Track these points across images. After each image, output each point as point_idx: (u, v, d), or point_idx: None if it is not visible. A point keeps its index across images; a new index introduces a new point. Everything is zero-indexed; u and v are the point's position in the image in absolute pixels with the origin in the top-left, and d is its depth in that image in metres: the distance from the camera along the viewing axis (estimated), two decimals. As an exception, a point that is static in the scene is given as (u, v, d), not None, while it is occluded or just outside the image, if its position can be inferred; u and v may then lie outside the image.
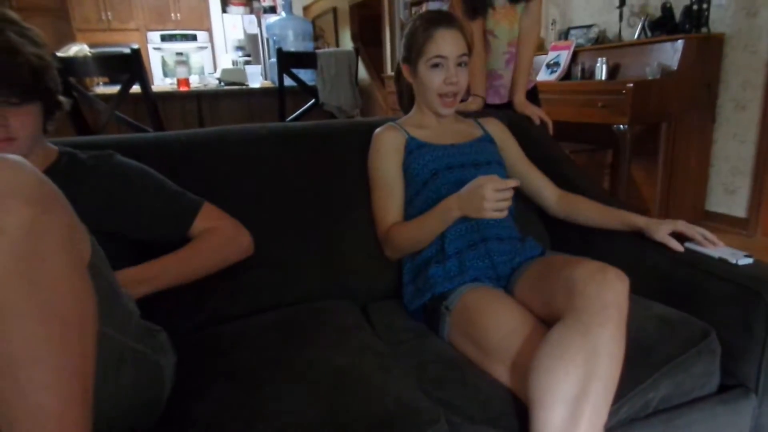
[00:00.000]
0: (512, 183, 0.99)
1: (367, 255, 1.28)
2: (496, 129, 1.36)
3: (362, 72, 7.76)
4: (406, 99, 1.37)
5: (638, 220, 1.15)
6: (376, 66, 7.81)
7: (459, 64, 1.20)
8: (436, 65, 1.19)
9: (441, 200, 1.12)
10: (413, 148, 1.23)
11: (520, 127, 1.49)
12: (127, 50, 2.28)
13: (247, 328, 1.06)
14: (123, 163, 1.03)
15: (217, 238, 1.05)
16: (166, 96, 3.39)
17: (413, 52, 1.21)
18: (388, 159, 1.23)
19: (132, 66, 2.24)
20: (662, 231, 1.11)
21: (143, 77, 2.28)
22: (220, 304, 1.11)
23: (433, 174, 1.18)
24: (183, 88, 3.55)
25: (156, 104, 2.38)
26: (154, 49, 6.67)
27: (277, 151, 1.31)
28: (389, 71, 7.06)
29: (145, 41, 6.63)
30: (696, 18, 2.84)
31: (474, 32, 1.74)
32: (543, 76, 3.60)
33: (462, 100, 1.75)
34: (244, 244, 1.09)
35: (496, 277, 1.10)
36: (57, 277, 0.56)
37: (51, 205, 0.57)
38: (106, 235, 0.95)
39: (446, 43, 1.17)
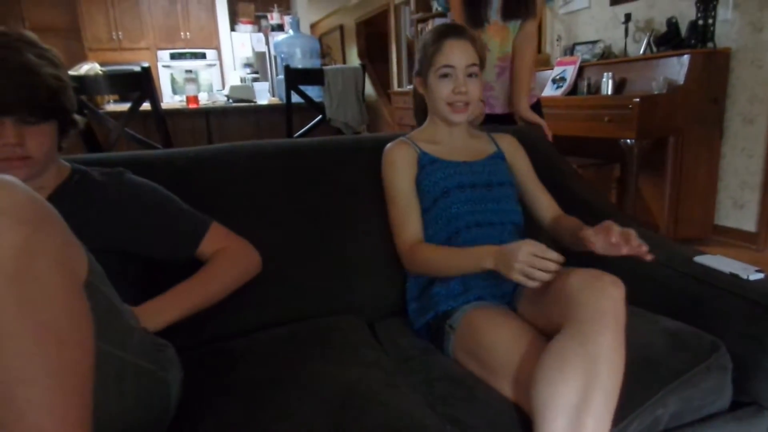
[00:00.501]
0: (556, 256, 0.91)
1: (374, 271, 1.27)
2: (509, 146, 1.34)
3: (369, 88, 7.83)
4: (420, 113, 1.37)
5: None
6: (382, 82, 7.89)
7: (470, 75, 1.19)
8: (445, 75, 1.19)
9: (452, 219, 1.13)
10: (425, 164, 1.22)
11: (527, 140, 1.49)
12: (137, 68, 2.32)
13: (253, 343, 1.06)
14: (134, 180, 1.04)
15: (229, 261, 1.04)
16: (175, 113, 3.42)
17: (424, 64, 1.23)
18: (403, 173, 1.22)
19: (142, 84, 2.27)
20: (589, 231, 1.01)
21: (153, 95, 2.31)
22: (227, 320, 1.11)
23: (444, 192, 1.17)
24: (192, 106, 3.59)
25: (165, 121, 2.41)
26: (164, 66, 6.76)
27: (284, 167, 1.31)
28: (395, 87, 7.12)
29: (155, 59, 6.73)
30: (702, 33, 2.85)
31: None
32: (549, 91, 3.61)
33: None
34: (254, 263, 1.09)
35: (500, 295, 1.09)
36: (51, 297, 0.56)
37: (44, 224, 0.57)
38: (115, 253, 0.96)
39: (454, 54, 1.18)
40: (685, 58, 2.83)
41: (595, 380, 0.75)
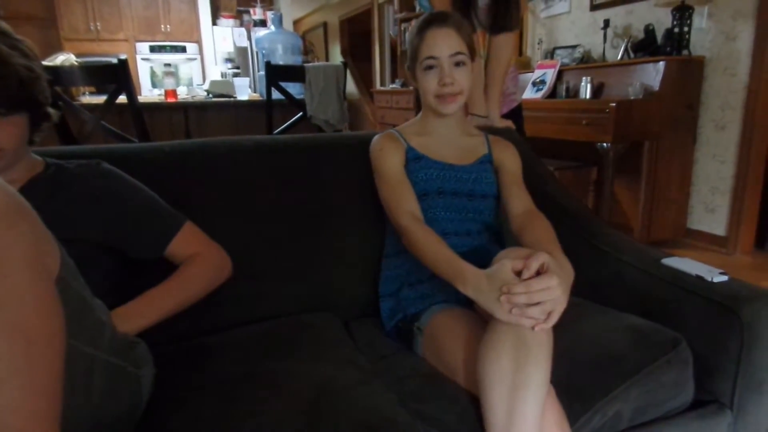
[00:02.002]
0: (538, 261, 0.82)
1: (350, 270, 1.28)
2: (502, 153, 1.27)
3: (351, 87, 7.81)
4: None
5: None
6: (365, 81, 7.88)
7: (456, 64, 1.14)
8: (429, 67, 1.15)
9: (429, 223, 1.09)
10: (410, 159, 1.20)
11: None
12: (114, 61, 2.28)
13: (227, 340, 1.06)
14: (110, 171, 1.03)
15: (201, 268, 1.03)
16: (153, 107, 3.38)
17: (411, 57, 1.20)
18: (393, 158, 1.19)
19: (119, 76, 2.23)
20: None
21: (130, 88, 2.28)
22: (201, 316, 1.10)
23: (423, 194, 1.16)
24: (170, 99, 3.54)
25: (142, 115, 2.38)
26: (143, 59, 6.66)
27: (262, 164, 1.31)
28: (378, 86, 7.12)
29: (134, 51, 6.62)
30: (677, 41, 2.91)
31: None
32: (529, 93, 3.65)
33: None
34: (225, 269, 1.09)
35: (464, 298, 1.09)
36: (21, 294, 0.55)
37: (16, 219, 0.56)
38: (87, 244, 0.95)
39: (436, 43, 1.13)
40: (661, 64, 2.89)
41: (526, 356, 0.79)
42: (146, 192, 1.05)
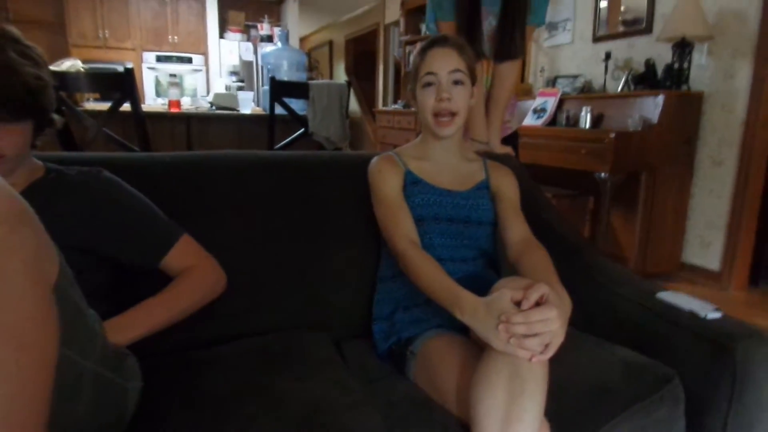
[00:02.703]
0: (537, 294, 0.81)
1: (344, 290, 1.27)
2: (499, 179, 1.27)
3: (354, 105, 7.88)
4: None
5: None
6: (368, 100, 7.95)
7: (455, 83, 1.15)
8: (428, 84, 1.16)
9: (425, 249, 1.09)
10: (408, 183, 1.20)
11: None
12: (120, 69, 2.30)
13: (217, 355, 1.05)
14: (110, 180, 1.03)
15: (196, 281, 1.03)
16: (156, 116, 3.39)
17: (412, 77, 1.21)
18: (391, 180, 1.19)
19: (124, 85, 2.25)
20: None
21: (134, 96, 2.30)
22: (193, 330, 1.09)
23: (419, 220, 1.15)
24: (174, 110, 3.56)
25: (145, 124, 2.39)
26: (149, 68, 6.71)
27: (262, 179, 1.31)
28: (380, 106, 7.18)
29: (140, 60, 6.68)
30: (677, 76, 2.96)
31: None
32: (530, 120, 3.69)
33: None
34: (220, 284, 1.08)
35: (459, 324, 1.09)
36: (18, 299, 0.55)
37: (19, 224, 0.56)
38: (82, 251, 0.94)
39: (436, 61, 1.15)
40: (660, 98, 2.92)
41: (521, 390, 0.78)
42: (145, 202, 1.05)
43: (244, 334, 1.15)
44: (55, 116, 0.97)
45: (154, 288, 0.99)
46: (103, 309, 0.89)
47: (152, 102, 6.36)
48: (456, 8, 1.70)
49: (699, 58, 2.98)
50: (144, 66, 6.67)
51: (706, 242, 3.06)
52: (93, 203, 0.97)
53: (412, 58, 1.23)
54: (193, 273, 1.03)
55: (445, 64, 1.14)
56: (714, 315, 1.04)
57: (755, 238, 2.91)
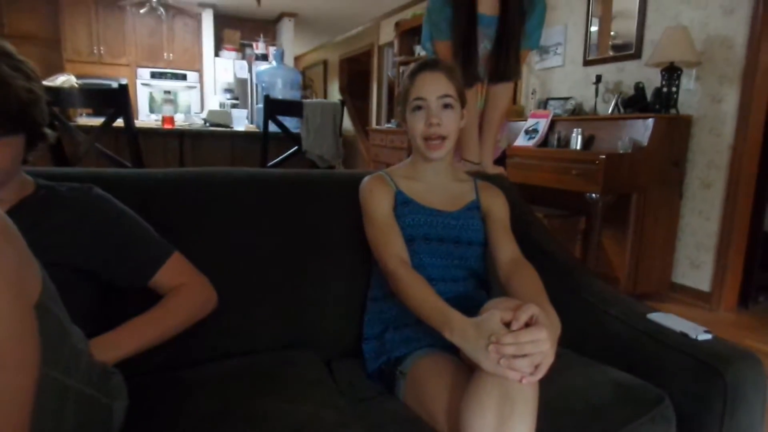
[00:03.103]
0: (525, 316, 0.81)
1: (335, 308, 1.27)
2: (489, 199, 1.28)
3: (347, 123, 7.94)
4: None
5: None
6: (361, 119, 8.01)
7: (444, 107, 1.16)
8: (418, 108, 1.17)
9: (415, 269, 1.08)
10: (399, 203, 1.21)
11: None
12: (114, 85, 2.30)
13: (205, 374, 1.03)
14: (101, 196, 1.02)
15: (186, 299, 1.02)
16: (150, 132, 3.39)
17: (402, 100, 1.22)
18: (381, 200, 1.19)
19: (118, 101, 2.25)
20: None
21: (128, 113, 2.30)
22: (180, 348, 1.08)
23: (409, 240, 1.16)
24: (167, 126, 3.56)
25: (137, 140, 2.39)
26: (143, 84, 6.72)
27: (254, 197, 1.31)
28: (374, 125, 7.23)
29: (135, 76, 6.69)
30: (666, 99, 3.01)
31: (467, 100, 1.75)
32: (521, 141, 3.73)
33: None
34: (210, 302, 1.07)
35: (449, 343, 1.08)
36: None
37: (1, 242, 0.55)
38: (70, 269, 0.93)
39: (425, 85, 1.16)
40: (650, 121, 2.97)
41: (510, 413, 0.77)
42: (136, 219, 1.04)
43: (234, 352, 1.14)
44: (48, 131, 0.97)
45: (143, 306, 0.98)
46: (90, 327, 0.87)
47: (146, 118, 6.36)
48: (452, 29, 1.73)
49: (687, 82, 3.04)
50: (138, 82, 6.69)
51: (696, 263, 3.08)
52: (83, 220, 0.96)
53: (401, 81, 1.24)
54: (183, 291, 1.02)
55: (435, 88, 1.16)
56: (704, 336, 1.04)
57: (744, 259, 2.93)
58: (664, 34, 2.97)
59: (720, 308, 2.93)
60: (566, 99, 3.82)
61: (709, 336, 1.05)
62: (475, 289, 1.20)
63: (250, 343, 1.17)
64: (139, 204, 1.09)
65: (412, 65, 1.23)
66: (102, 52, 6.51)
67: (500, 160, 2.06)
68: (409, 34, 5.77)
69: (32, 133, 0.91)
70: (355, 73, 8.41)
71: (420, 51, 5.56)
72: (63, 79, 2.79)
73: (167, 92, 6.64)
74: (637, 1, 3.37)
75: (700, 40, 2.97)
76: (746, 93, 2.77)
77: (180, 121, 4.30)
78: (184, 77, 6.95)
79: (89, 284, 0.98)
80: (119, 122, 2.35)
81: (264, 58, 7.01)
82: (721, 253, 2.93)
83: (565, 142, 3.49)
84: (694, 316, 2.82)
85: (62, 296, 0.72)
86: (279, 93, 5.25)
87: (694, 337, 1.04)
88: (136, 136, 2.37)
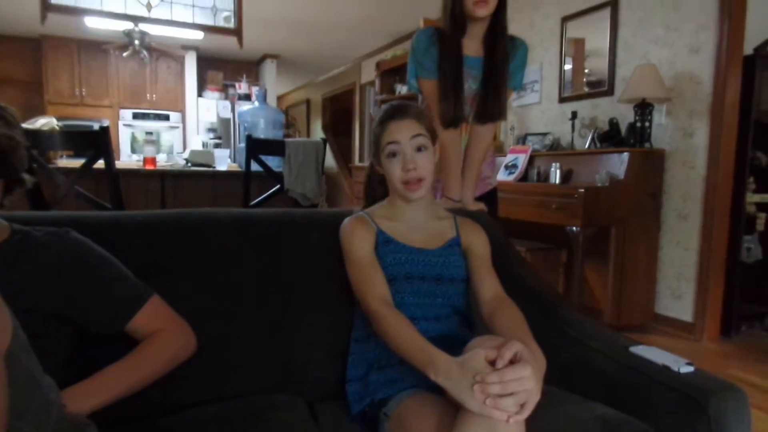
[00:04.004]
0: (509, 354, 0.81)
1: (317, 350, 1.25)
2: (470, 235, 1.29)
3: (331, 160, 8.00)
4: (369, 191, 1.40)
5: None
6: (344, 156, 8.09)
7: (418, 149, 1.18)
8: (393, 154, 1.19)
9: (398, 308, 1.08)
10: (380, 242, 1.21)
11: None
12: (96, 127, 2.30)
13: (185, 420, 1.01)
14: (78, 241, 1.00)
15: (163, 345, 1.00)
16: (131, 173, 3.38)
17: (374, 146, 1.24)
18: (363, 240, 1.19)
19: (99, 144, 2.25)
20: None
21: (108, 155, 2.29)
22: (158, 394, 1.05)
23: (390, 279, 1.15)
24: (148, 167, 3.56)
25: (118, 181, 2.37)
26: (125, 125, 6.72)
27: (235, 238, 1.30)
28: (356, 162, 7.30)
29: (117, 117, 6.69)
30: (639, 134, 3.10)
31: (448, 140, 1.75)
32: (501, 176, 3.79)
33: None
34: (189, 347, 1.05)
35: (434, 384, 1.07)
36: None
37: None
38: (46, 314, 0.91)
39: (398, 130, 1.18)
40: (625, 155, 3.05)
41: None
42: (113, 264, 1.03)
43: (215, 397, 1.11)
44: (26, 176, 0.96)
45: (119, 353, 0.95)
46: (65, 375, 0.85)
47: (127, 159, 6.33)
48: (439, 68, 1.76)
49: (659, 117, 3.14)
50: (120, 123, 6.69)
51: (677, 294, 3.11)
52: (58, 265, 0.94)
53: (372, 126, 1.26)
54: (160, 337, 1.00)
55: (406, 131, 1.18)
56: (686, 369, 1.04)
57: (724, 289, 2.97)
58: (635, 72, 3.08)
59: (703, 338, 2.94)
60: (544, 134, 3.91)
61: (691, 368, 1.05)
62: (459, 326, 1.19)
63: (232, 387, 1.15)
64: (117, 247, 1.08)
65: (380, 111, 1.25)
66: (84, 93, 6.52)
67: (492, 195, 2.08)
68: (390, 74, 5.90)
69: (10, 179, 0.90)
70: (338, 111, 8.54)
71: (401, 89, 5.69)
72: (43, 122, 2.78)
73: (149, 133, 6.65)
74: (608, 41, 3.50)
75: (668, 77, 3.08)
76: (715, 127, 2.87)
77: (162, 161, 4.30)
78: (166, 117, 6.98)
79: (64, 330, 0.96)
80: (100, 163, 2.34)
81: (247, 98, 7.09)
82: (701, 283, 2.97)
83: (544, 177, 3.55)
84: (678, 347, 2.83)
85: (36, 343, 0.71)
86: (261, 132, 5.30)
87: (676, 369, 1.04)
88: (116, 178, 2.36)
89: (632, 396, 1.06)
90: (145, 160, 3.64)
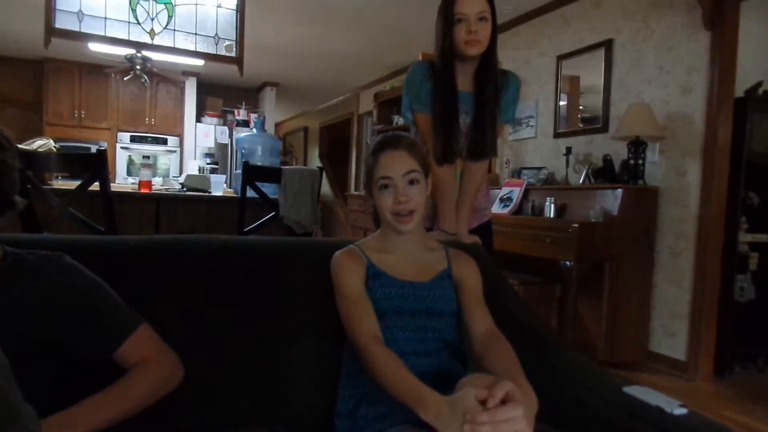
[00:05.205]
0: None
1: (306, 380, 1.23)
2: (462, 267, 1.28)
3: (327, 188, 8.02)
4: (378, 219, 1.39)
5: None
6: (340, 184, 8.12)
7: (410, 182, 1.19)
8: (385, 186, 1.19)
9: (388, 343, 1.07)
10: (371, 275, 1.20)
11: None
12: (93, 150, 2.31)
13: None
14: (70, 265, 0.99)
15: (149, 375, 0.97)
16: (126, 196, 3.37)
17: (367, 176, 1.25)
18: (353, 274, 1.19)
19: (96, 167, 2.25)
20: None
21: (104, 178, 2.29)
22: (141, 425, 1.02)
23: (381, 314, 1.14)
24: (144, 190, 3.55)
25: (112, 205, 2.36)
26: (122, 148, 6.74)
27: (226, 265, 1.29)
28: (352, 190, 7.32)
29: (115, 140, 6.72)
30: (633, 171, 3.13)
31: (442, 173, 1.76)
32: (496, 208, 3.80)
33: (429, 228, 1.80)
34: (176, 378, 1.02)
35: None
36: None
37: None
38: (33, 342, 0.90)
39: (391, 164, 1.18)
40: (619, 191, 3.07)
41: None
42: (104, 290, 1.01)
43: (202, 428, 1.08)
44: (18, 198, 0.95)
45: (103, 382, 0.93)
46: (49, 402, 0.83)
47: (123, 181, 6.34)
48: (432, 102, 1.78)
49: (652, 155, 3.18)
50: (118, 146, 6.71)
51: (670, 332, 3.09)
52: (47, 289, 0.93)
53: (364, 156, 1.27)
54: (146, 368, 0.97)
55: (399, 167, 1.18)
56: (680, 411, 1.03)
57: (718, 328, 2.96)
58: (629, 110, 3.14)
59: (697, 378, 2.92)
60: (539, 169, 3.95)
61: (684, 410, 1.04)
62: (450, 361, 1.18)
63: (218, 418, 1.12)
64: (109, 272, 1.06)
65: (372, 142, 1.25)
66: (83, 115, 6.56)
67: (486, 228, 2.09)
68: (387, 105, 5.98)
69: (1, 202, 0.90)
70: (335, 140, 8.61)
71: (398, 120, 5.75)
72: (40, 143, 2.79)
73: (146, 156, 6.67)
74: (603, 79, 3.57)
75: (662, 115, 3.14)
76: (708, 166, 2.91)
77: (158, 184, 4.30)
78: (164, 141, 7.01)
79: (49, 355, 0.94)
80: (96, 185, 2.34)
81: (245, 124, 7.15)
82: (694, 322, 2.96)
83: (539, 211, 3.57)
84: (672, 387, 2.80)
85: (20, 368, 0.69)
86: (258, 159, 5.33)
87: (669, 411, 1.03)
88: (111, 201, 2.36)
89: (626, 438, 1.04)
90: (140, 183, 3.65)
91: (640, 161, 3.13)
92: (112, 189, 2.46)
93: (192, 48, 4.30)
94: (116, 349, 0.96)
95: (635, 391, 1.11)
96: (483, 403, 0.80)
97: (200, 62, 5.01)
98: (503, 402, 0.79)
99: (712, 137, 2.89)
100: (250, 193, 2.94)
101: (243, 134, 5.87)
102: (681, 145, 3.06)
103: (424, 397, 0.88)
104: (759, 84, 3.21)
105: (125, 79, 4.85)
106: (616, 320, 3.07)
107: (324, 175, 3.39)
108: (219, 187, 3.99)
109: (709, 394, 2.76)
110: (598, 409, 1.11)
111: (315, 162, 8.96)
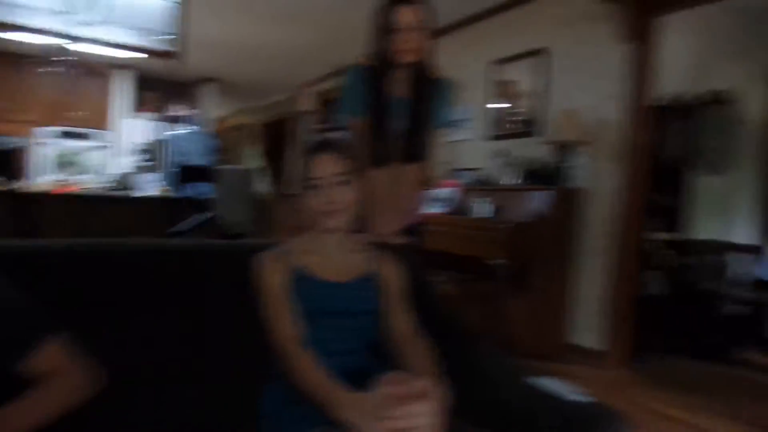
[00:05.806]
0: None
1: (235, 386, 1.23)
2: (386, 268, 1.31)
3: (266, 188, 7.90)
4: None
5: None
6: (280, 183, 8.01)
7: (338, 183, 1.21)
8: (314, 186, 1.21)
9: (312, 344, 1.10)
10: (295, 278, 1.21)
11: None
12: (9, 146, 2.19)
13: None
14: None
15: (55, 390, 0.93)
16: (47, 197, 3.18)
17: (300, 178, 1.27)
18: (274, 277, 1.19)
19: (8, 165, 2.13)
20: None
21: (19, 177, 2.17)
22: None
23: (305, 315, 1.16)
24: (67, 190, 3.38)
25: (29, 206, 2.25)
26: (44, 144, 6.29)
27: (150, 270, 1.26)
28: (289, 189, 7.25)
29: (37, 135, 6.28)
30: (562, 173, 3.32)
31: (374, 176, 1.79)
32: (432, 209, 3.88)
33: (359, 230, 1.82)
34: (86, 390, 0.97)
35: None
36: None
37: None
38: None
39: (321, 166, 1.21)
40: (549, 193, 3.24)
41: None
42: (10, 297, 0.96)
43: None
44: None
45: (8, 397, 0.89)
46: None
47: (45, 180, 5.95)
48: (366, 107, 1.81)
49: (579, 159, 3.36)
50: (39, 141, 6.25)
51: (591, 325, 3.29)
52: None
53: (300, 157, 1.30)
54: (55, 380, 0.93)
55: (329, 169, 1.21)
56: (576, 397, 1.12)
57: (633, 321, 3.17)
58: (559, 115, 3.30)
59: (614, 367, 3.12)
60: (475, 170, 4.07)
61: (580, 396, 1.13)
62: (372, 360, 1.21)
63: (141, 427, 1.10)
64: (21, 279, 1.01)
65: (306, 144, 1.29)
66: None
67: (418, 228, 2.13)
68: (329, 104, 5.97)
69: None
70: (275, 138, 8.49)
71: (339, 119, 5.75)
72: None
73: (73, 153, 6.30)
74: (537, 85, 3.73)
75: (590, 121, 3.31)
76: (628, 168, 3.11)
77: (87, 183, 4.10)
78: (92, 137, 6.63)
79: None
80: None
81: (182, 120, 6.91)
82: (611, 315, 3.16)
83: (473, 211, 3.68)
84: (590, 375, 2.98)
85: None
86: (194, 157, 5.16)
87: (566, 397, 1.12)
88: (27, 202, 2.24)
89: (532, 426, 1.11)
90: (63, 182, 3.47)
91: (569, 165, 3.30)
92: (31, 189, 2.33)
93: (127, 41, 4.10)
94: (21, 360, 0.91)
95: (543, 382, 1.19)
96: (398, 399, 0.84)
97: (135, 55, 4.80)
98: (417, 398, 0.83)
99: (632, 142, 3.09)
100: (184, 192, 2.88)
101: (180, 131, 5.67)
102: (604, 149, 3.25)
103: (336, 395, 0.91)
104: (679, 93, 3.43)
105: (48, 69, 4.57)
106: (541, 315, 3.23)
107: (264, 174, 3.36)
108: (152, 185, 3.86)
109: (624, 383, 2.95)
110: (506, 399, 1.19)
111: (253, 161, 8.80)
